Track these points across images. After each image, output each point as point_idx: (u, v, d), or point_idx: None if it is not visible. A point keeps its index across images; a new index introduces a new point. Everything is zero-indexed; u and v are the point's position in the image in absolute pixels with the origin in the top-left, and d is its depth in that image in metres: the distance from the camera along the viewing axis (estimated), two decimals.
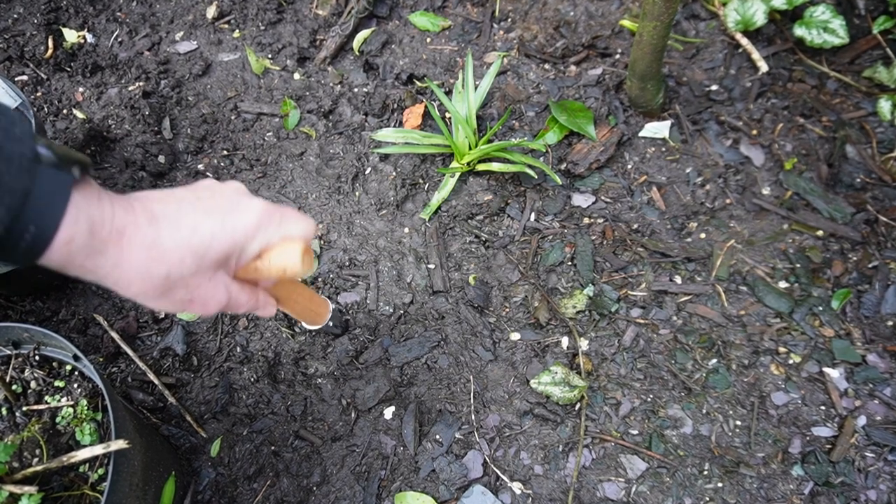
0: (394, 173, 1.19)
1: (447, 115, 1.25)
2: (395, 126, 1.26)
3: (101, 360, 1.06)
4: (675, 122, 1.21)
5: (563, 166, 1.18)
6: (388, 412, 1.01)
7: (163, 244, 0.42)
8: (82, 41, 1.37)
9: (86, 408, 0.81)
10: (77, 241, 0.38)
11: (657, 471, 0.96)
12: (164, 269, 0.42)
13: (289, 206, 0.52)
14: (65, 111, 1.27)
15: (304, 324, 0.81)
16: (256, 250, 0.49)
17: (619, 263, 1.10)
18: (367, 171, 1.21)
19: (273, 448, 1.00)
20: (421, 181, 1.20)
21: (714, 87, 1.23)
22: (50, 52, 1.33)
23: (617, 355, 1.04)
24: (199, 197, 0.47)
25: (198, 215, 0.45)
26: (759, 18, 1.20)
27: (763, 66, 1.21)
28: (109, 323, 1.09)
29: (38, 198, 0.36)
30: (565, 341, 1.05)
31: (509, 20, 1.35)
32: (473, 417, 1.00)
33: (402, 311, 1.08)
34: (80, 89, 1.30)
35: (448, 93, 1.27)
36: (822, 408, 0.99)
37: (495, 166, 1.14)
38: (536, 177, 1.14)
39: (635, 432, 0.98)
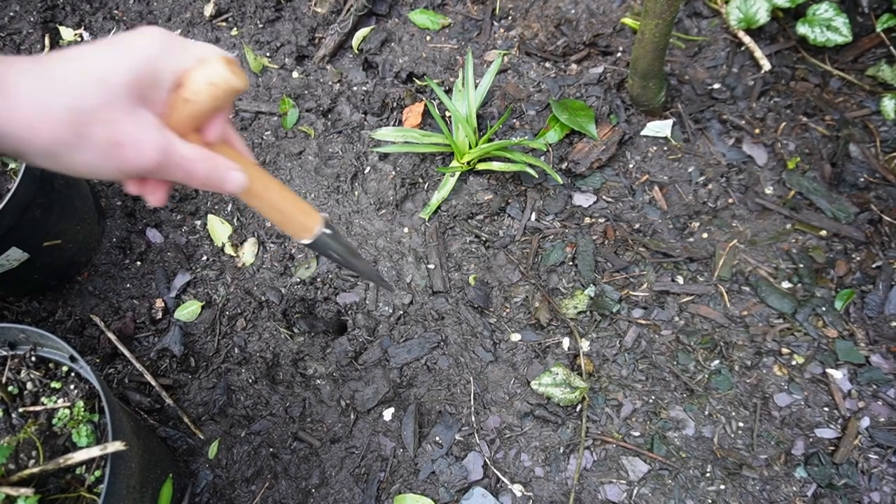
0: (393, 173, 1.18)
1: (447, 113, 1.24)
2: (394, 125, 1.25)
3: (97, 361, 1.05)
4: (676, 121, 1.20)
5: (564, 165, 1.18)
6: (388, 413, 1.00)
7: (54, 74, 0.36)
8: (79, 39, 1.36)
9: (82, 409, 0.80)
10: None
11: (659, 473, 0.95)
12: (64, 99, 0.36)
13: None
14: None
15: (296, 238, 0.61)
16: (171, 77, 0.41)
17: (620, 263, 1.09)
18: (366, 171, 1.20)
19: (271, 450, 0.99)
20: (420, 180, 1.19)
21: (716, 86, 1.22)
22: (46, 50, 1.32)
23: (618, 356, 1.03)
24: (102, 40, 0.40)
25: (99, 50, 0.38)
26: (762, 16, 1.19)
27: (766, 65, 1.20)
28: (106, 324, 1.08)
29: None
30: (566, 342, 1.04)
31: (510, 18, 1.34)
32: (474, 419, 0.99)
33: (401, 312, 1.07)
34: None
35: (448, 91, 1.26)
36: (826, 409, 0.98)
37: (496, 165, 1.14)
38: (537, 176, 1.13)
39: (637, 434, 0.98)
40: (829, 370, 1.00)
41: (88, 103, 0.37)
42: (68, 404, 0.81)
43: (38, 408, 0.81)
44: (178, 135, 0.44)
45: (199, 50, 0.44)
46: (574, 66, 1.27)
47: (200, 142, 0.47)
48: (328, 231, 0.60)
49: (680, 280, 1.08)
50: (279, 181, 0.56)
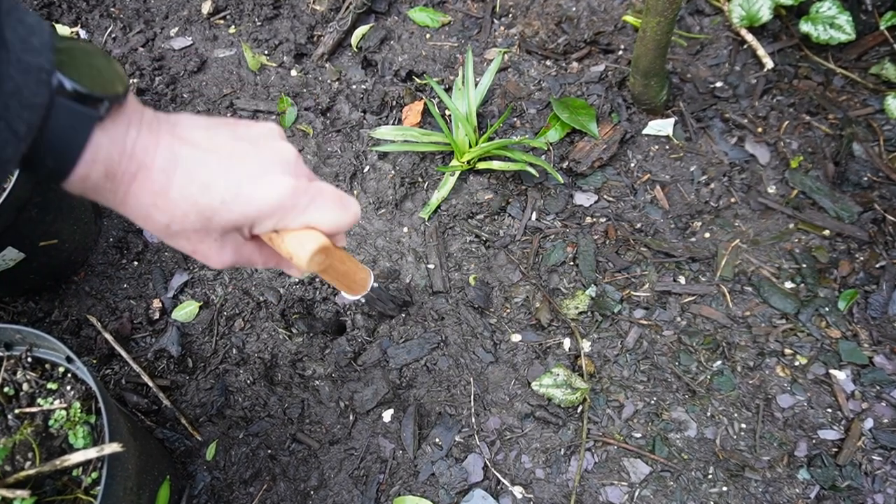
0: (392, 172, 1.17)
1: (447, 112, 1.23)
2: (393, 124, 1.24)
3: (94, 361, 1.05)
4: (678, 120, 1.19)
5: (564, 164, 1.17)
6: (387, 415, 0.99)
7: (169, 195, 0.41)
8: (75, 37, 1.35)
9: (79, 410, 0.79)
10: (91, 179, 0.38)
11: (661, 475, 0.94)
12: (165, 219, 0.42)
13: (328, 186, 0.47)
14: None
15: (350, 295, 0.72)
16: (271, 228, 0.45)
17: (621, 263, 1.08)
18: (365, 170, 1.19)
19: (270, 451, 0.98)
20: (420, 180, 1.18)
21: (718, 84, 1.22)
22: None
23: (620, 357, 1.02)
24: (233, 145, 0.43)
25: (218, 171, 0.41)
26: (765, 14, 1.18)
27: (768, 63, 1.19)
28: (103, 324, 1.07)
29: (58, 132, 0.35)
30: (567, 343, 1.03)
31: (510, 16, 1.33)
32: (474, 420, 0.98)
33: (402, 313, 1.07)
34: None
35: (448, 90, 1.25)
36: (829, 410, 0.97)
37: (496, 165, 1.13)
38: (538, 175, 1.12)
39: (638, 435, 0.97)
40: (832, 371, 0.99)
41: (185, 227, 0.42)
42: (65, 405, 0.80)
43: (34, 409, 0.80)
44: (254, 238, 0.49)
45: (316, 215, 0.46)
46: (575, 64, 1.26)
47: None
48: (375, 285, 0.75)
49: (682, 280, 1.07)
50: (346, 255, 0.64)
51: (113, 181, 0.39)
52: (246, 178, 0.42)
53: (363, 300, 0.76)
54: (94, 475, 0.76)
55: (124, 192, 0.40)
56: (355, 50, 1.32)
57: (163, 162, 0.40)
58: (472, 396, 1.00)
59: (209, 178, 0.41)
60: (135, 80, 1.29)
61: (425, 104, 1.23)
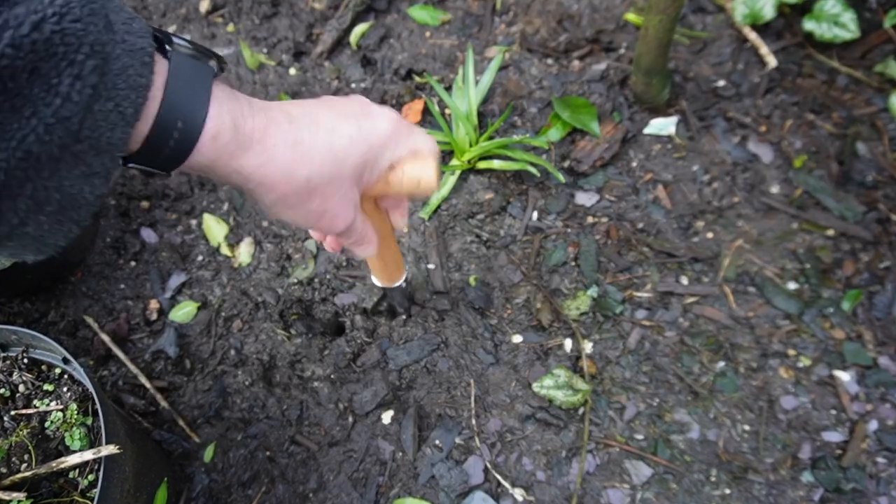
0: None
1: (447, 111, 1.22)
2: None
3: (91, 363, 1.04)
4: (681, 119, 1.18)
5: (566, 164, 1.16)
6: (387, 417, 0.98)
7: (305, 143, 0.40)
8: None
9: (76, 412, 0.79)
10: (223, 137, 0.37)
11: (663, 477, 0.93)
12: (306, 171, 0.41)
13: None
14: None
15: (375, 279, 0.77)
16: (387, 163, 0.47)
17: (623, 264, 1.07)
18: None
19: (268, 453, 0.97)
20: None
21: (721, 83, 1.21)
22: None
23: (622, 358, 1.01)
24: (328, 103, 0.45)
25: (334, 117, 0.43)
26: (768, 12, 1.17)
27: (772, 61, 1.18)
28: (100, 325, 1.06)
29: (180, 90, 0.34)
30: (568, 344, 1.02)
31: (511, 13, 1.32)
32: (474, 422, 0.97)
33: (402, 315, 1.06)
34: None
35: (448, 88, 1.24)
36: (833, 412, 0.96)
37: (496, 164, 1.12)
38: (539, 175, 1.11)
39: (640, 437, 0.96)
40: (836, 372, 0.99)
41: (322, 179, 0.42)
42: (61, 407, 0.80)
43: (30, 410, 0.79)
44: (362, 198, 0.50)
45: (418, 140, 0.49)
46: (576, 62, 1.25)
47: (372, 201, 0.56)
48: (403, 284, 0.78)
49: (684, 281, 1.06)
50: (395, 241, 0.67)
51: (244, 136, 0.38)
52: (357, 116, 0.44)
53: (388, 290, 0.82)
54: (90, 477, 0.76)
55: (260, 150, 0.38)
56: (354, 48, 1.31)
57: (284, 118, 0.40)
58: (473, 398, 0.99)
59: (331, 123, 0.42)
60: None
61: (425, 103, 1.22)
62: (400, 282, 0.76)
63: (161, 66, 0.35)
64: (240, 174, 0.39)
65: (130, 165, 0.37)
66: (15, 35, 0.25)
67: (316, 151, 0.41)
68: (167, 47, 0.36)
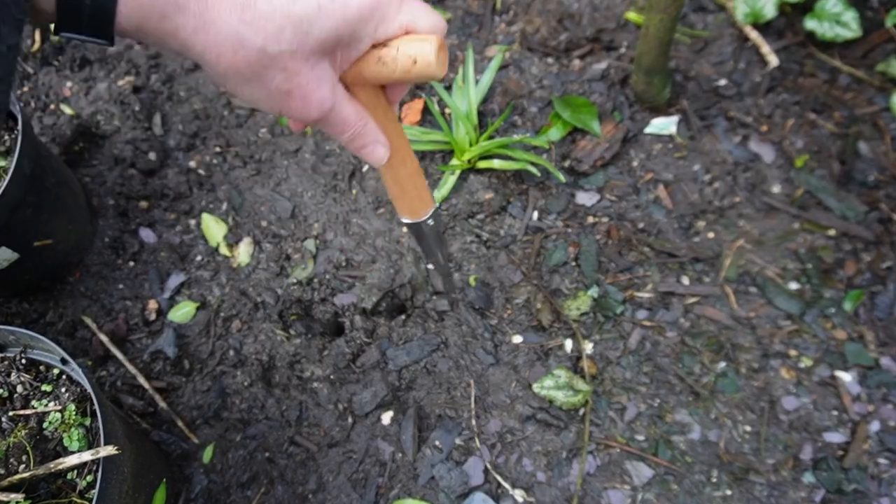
0: None
1: (447, 110, 1.21)
2: None
3: (89, 363, 1.03)
4: (682, 118, 1.17)
5: (566, 163, 1.15)
6: (386, 417, 0.98)
7: (258, 7, 0.35)
8: None
9: (74, 413, 0.78)
10: (154, 3, 0.32)
11: (664, 478, 0.93)
12: (258, 39, 0.35)
13: None
14: (52, 106, 1.24)
15: (400, 213, 0.63)
16: (369, 40, 0.40)
17: (624, 264, 1.07)
18: (364, 169, 1.18)
19: (267, 454, 0.97)
20: None
21: (722, 82, 1.20)
22: (37, 45, 1.30)
23: (622, 359, 1.01)
24: None
25: None
26: (770, 11, 1.16)
27: (773, 61, 1.18)
28: (98, 325, 1.06)
29: None
30: (569, 344, 1.02)
31: (511, 12, 1.32)
32: (474, 423, 0.97)
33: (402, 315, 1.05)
34: (68, 84, 1.26)
35: (448, 88, 1.23)
36: (834, 413, 0.96)
37: (496, 163, 1.11)
38: (539, 174, 1.11)
39: (641, 438, 0.96)
40: (837, 373, 0.98)
41: (279, 49, 0.36)
42: (59, 408, 0.79)
43: (28, 411, 0.79)
44: (353, 83, 0.43)
45: (414, 14, 0.41)
46: (577, 61, 1.25)
47: (372, 93, 0.46)
48: (430, 223, 0.62)
49: (685, 281, 1.06)
50: (415, 159, 0.56)
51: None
52: None
53: (410, 228, 0.64)
54: (89, 478, 0.75)
55: (199, 9, 0.34)
56: None
57: None
58: (473, 398, 0.98)
59: None
60: (130, 78, 1.27)
61: (425, 102, 1.22)
62: (426, 217, 0.61)
63: None
64: (175, 38, 0.35)
65: (63, 34, 0.34)
66: None
67: (271, 17, 0.35)
68: None
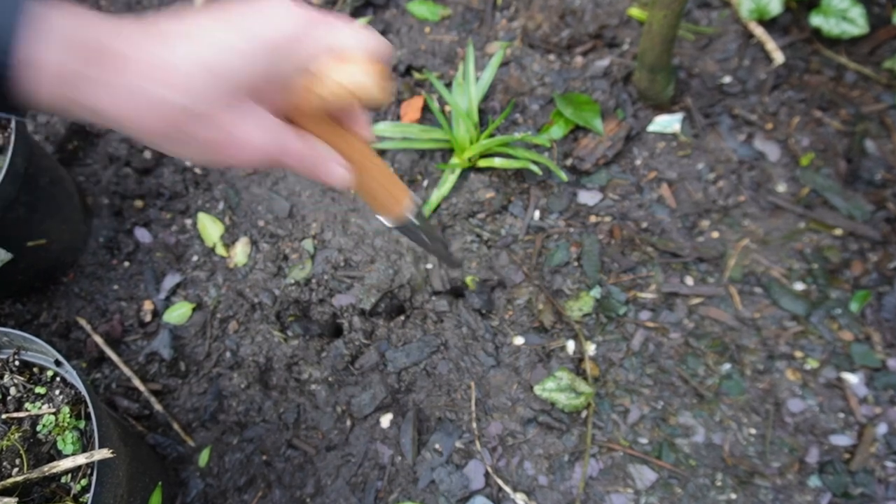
0: (391, 169, 1.15)
1: (447, 108, 1.20)
2: (392, 120, 1.21)
3: (84, 365, 1.02)
4: (686, 116, 1.16)
5: (568, 162, 1.14)
6: (386, 420, 0.97)
7: (174, 63, 0.33)
8: None
9: (68, 415, 0.77)
10: (51, 65, 0.30)
11: (667, 481, 0.92)
12: (166, 94, 0.33)
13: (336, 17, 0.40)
14: None
15: (380, 217, 0.61)
16: (298, 72, 0.38)
17: (627, 264, 1.05)
18: None
19: (265, 458, 0.96)
20: (420, 177, 1.15)
21: (727, 79, 1.18)
22: None
23: (625, 360, 0.99)
24: (213, 9, 0.36)
25: (210, 25, 0.35)
26: (775, 7, 1.14)
27: (778, 57, 1.16)
28: (93, 326, 1.04)
29: None
30: (571, 345, 1.01)
31: (512, 8, 1.30)
32: (475, 425, 0.95)
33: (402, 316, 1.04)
34: None
35: (448, 85, 1.22)
36: (841, 415, 0.95)
37: (497, 162, 1.10)
38: (541, 173, 1.09)
39: (644, 441, 0.94)
40: (844, 374, 0.97)
41: (194, 102, 0.34)
42: (53, 410, 0.78)
43: (21, 414, 0.78)
44: (296, 117, 0.41)
45: (339, 38, 0.38)
46: (579, 58, 1.23)
47: (320, 119, 0.43)
48: (414, 221, 0.60)
49: (689, 281, 1.05)
50: (383, 164, 0.54)
51: (85, 60, 0.31)
52: (245, 18, 0.36)
53: (402, 230, 0.63)
54: (83, 482, 0.74)
55: (112, 76, 0.32)
56: None
57: (153, 35, 0.34)
58: (473, 401, 0.97)
59: (206, 34, 0.35)
60: None
61: (425, 100, 1.20)
62: (405, 213, 0.59)
63: None
64: (95, 113, 0.33)
65: None
66: None
67: (189, 73, 0.34)
68: None
